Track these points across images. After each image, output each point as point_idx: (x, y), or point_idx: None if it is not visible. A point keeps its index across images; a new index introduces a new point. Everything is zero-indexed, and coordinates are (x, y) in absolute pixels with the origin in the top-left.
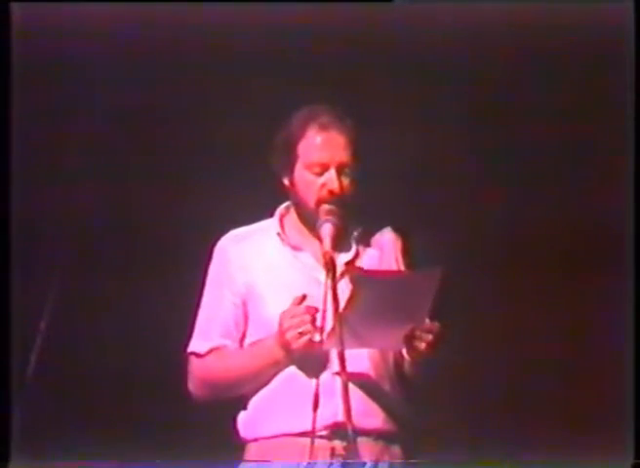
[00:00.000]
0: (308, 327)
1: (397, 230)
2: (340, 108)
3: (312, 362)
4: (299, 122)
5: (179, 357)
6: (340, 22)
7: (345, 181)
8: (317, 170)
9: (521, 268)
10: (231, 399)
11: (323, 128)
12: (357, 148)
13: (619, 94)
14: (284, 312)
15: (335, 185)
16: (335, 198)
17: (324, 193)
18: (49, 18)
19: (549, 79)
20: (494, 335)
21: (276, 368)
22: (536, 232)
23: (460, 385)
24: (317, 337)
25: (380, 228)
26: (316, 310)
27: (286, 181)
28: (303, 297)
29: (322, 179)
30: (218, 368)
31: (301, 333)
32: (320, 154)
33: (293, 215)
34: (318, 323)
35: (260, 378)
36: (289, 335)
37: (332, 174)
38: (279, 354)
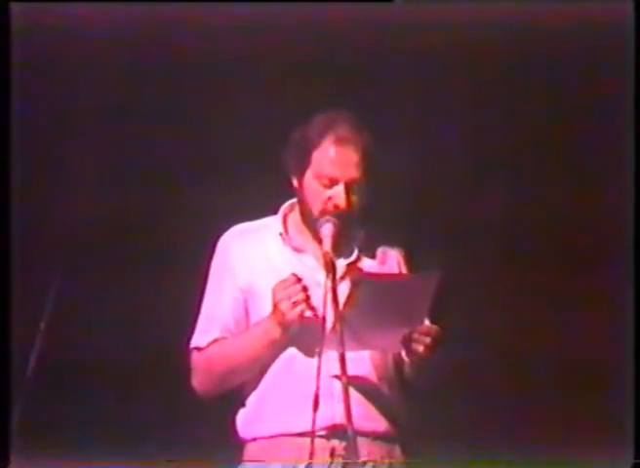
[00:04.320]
0: (301, 296)
1: (400, 238)
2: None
3: (310, 342)
4: (317, 129)
5: (179, 356)
6: (340, 23)
7: (353, 197)
8: (326, 182)
9: (521, 270)
10: (233, 396)
11: (339, 142)
12: (370, 164)
13: (619, 94)
14: (276, 285)
15: (342, 201)
16: (339, 212)
17: (329, 206)
18: (49, 18)
19: (550, 79)
20: (494, 337)
21: (273, 348)
22: (536, 234)
23: (459, 387)
24: (309, 312)
25: (382, 236)
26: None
27: (295, 182)
28: (294, 275)
29: (330, 192)
30: (218, 357)
31: (295, 303)
32: (332, 168)
33: (296, 215)
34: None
35: (260, 362)
36: (282, 306)
37: (340, 189)
38: (275, 332)
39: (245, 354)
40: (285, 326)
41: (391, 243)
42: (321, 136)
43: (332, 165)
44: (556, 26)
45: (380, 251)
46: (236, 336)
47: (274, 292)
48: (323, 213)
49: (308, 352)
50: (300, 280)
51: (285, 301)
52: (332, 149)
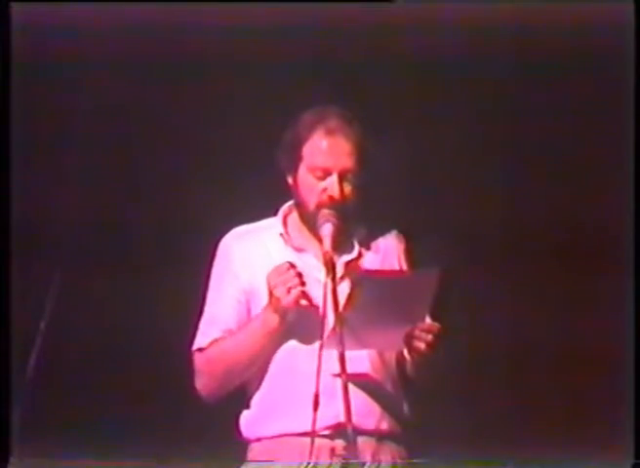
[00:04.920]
0: (295, 281)
1: (400, 233)
2: (341, 109)
3: (311, 342)
4: (306, 123)
5: (181, 357)
6: (340, 23)
7: (347, 187)
8: (319, 174)
9: (522, 268)
10: (237, 397)
11: (329, 132)
12: (362, 154)
13: (619, 94)
14: (270, 272)
15: (335, 191)
16: (334, 203)
17: (324, 198)
18: (49, 18)
19: (550, 79)
20: (494, 336)
21: (272, 339)
22: (537, 233)
23: (460, 385)
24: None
25: (381, 230)
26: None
27: (290, 180)
28: (288, 262)
29: (324, 184)
30: (219, 355)
31: (289, 289)
32: (324, 159)
33: (295, 215)
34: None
35: (260, 356)
36: (278, 292)
37: (334, 179)
38: (273, 320)
39: (245, 348)
40: (282, 312)
41: (392, 239)
42: (311, 129)
43: (324, 156)
44: (556, 26)
45: (379, 245)
46: (235, 333)
47: (269, 279)
48: (319, 206)
49: (310, 352)
50: (293, 266)
51: (280, 287)
52: (323, 141)
